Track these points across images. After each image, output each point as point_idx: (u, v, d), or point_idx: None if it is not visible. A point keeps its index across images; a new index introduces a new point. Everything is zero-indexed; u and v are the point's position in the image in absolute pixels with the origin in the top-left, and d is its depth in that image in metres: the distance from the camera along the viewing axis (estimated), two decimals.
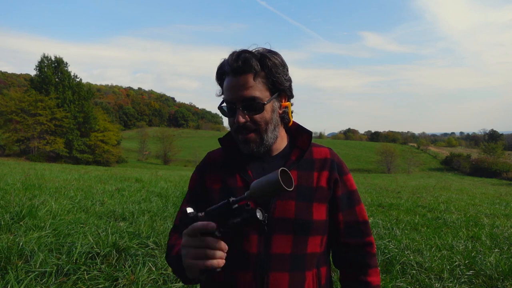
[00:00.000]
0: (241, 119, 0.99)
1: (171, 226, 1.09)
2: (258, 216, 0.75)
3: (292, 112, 1.11)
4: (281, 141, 1.11)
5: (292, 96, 1.10)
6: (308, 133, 1.12)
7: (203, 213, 0.81)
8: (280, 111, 1.07)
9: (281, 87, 1.04)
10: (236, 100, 1.00)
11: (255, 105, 1.00)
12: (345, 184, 1.11)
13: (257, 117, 1.01)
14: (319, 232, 1.03)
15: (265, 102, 1.01)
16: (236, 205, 0.77)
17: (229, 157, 1.11)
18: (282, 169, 0.75)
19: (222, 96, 1.06)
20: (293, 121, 1.13)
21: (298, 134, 1.13)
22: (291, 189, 0.75)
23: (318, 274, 1.04)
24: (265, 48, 1.03)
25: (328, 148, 1.14)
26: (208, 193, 1.08)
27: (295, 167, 1.06)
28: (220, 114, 1.11)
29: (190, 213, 0.82)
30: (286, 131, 1.15)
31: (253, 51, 1.01)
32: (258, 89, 1.00)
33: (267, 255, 0.97)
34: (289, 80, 1.07)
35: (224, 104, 1.05)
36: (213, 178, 1.10)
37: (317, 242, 1.03)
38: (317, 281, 1.03)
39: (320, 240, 1.04)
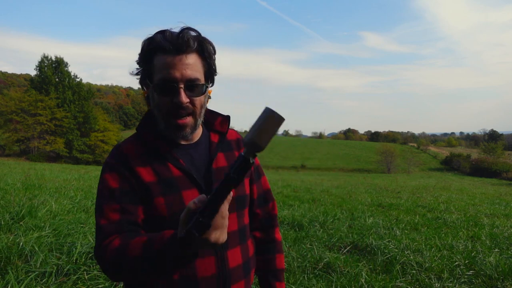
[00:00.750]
0: (185, 99, 0.96)
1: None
2: (251, 161, 0.71)
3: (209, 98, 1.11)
4: (199, 127, 1.11)
5: (213, 84, 1.09)
6: (224, 116, 1.15)
7: (208, 197, 0.73)
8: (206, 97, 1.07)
9: (214, 73, 1.05)
10: (179, 79, 0.95)
11: (199, 87, 0.99)
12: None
13: (197, 99, 1.00)
14: (248, 203, 1.16)
15: (208, 85, 1.02)
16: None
17: (149, 147, 1.02)
18: (267, 107, 0.70)
19: (138, 73, 1.03)
20: None
21: (213, 119, 1.15)
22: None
23: (252, 241, 1.18)
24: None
25: (234, 130, 1.21)
26: (142, 188, 0.97)
27: (220, 149, 1.10)
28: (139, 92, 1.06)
29: (199, 220, 0.72)
30: None
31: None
32: (199, 71, 0.99)
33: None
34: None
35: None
36: (145, 172, 0.98)
37: (247, 213, 1.16)
38: (253, 246, 1.17)
39: (247, 211, 1.16)
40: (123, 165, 0.99)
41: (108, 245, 0.90)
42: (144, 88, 1.05)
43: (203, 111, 1.04)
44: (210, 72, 1.03)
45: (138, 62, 1.01)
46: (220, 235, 0.76)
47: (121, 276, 0.91)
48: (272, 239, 1.26)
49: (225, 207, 0.74)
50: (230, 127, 1.17)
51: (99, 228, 0.94)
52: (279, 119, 0.70)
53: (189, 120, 0.99)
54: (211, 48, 1.01)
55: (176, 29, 0.98)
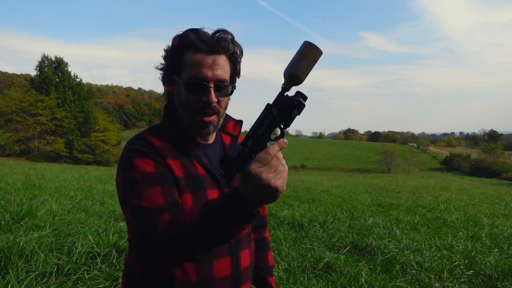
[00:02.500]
0: (214, 99, 0.97)
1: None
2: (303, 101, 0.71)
3: None
4: None
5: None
6: (236, 120, 1.17)
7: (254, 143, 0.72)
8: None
9: (238, 76, 1.06)
10: (210, 79, 0.96)
11: (226, 88, 1.01)
12: None
13: (223, 100, 1.01)
14: None
15: (234, 87, 1.03)
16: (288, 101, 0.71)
17: (174, 142, 1.01)
18: (305, 41, 0.72)
19: (163, 68, 1.03)
20: None
21: (226, 121, 1.15)
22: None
23: (253, 242, 1.20)
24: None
25: (241, 136, 1.20)
26: (176, 182, 0.95)
27: (231, 151, 1.11)
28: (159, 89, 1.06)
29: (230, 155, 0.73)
30: None
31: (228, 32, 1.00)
32: (227, 73, 1.01)
33: (237, 238, 1.04)
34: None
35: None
36: (174, 165, 0.96)
37: None
38: (254, 247, 1.20)
39: None
40: (156, 153, 0.95)
41: (159, 221, 0.84)
42: (167, 83, 1.05)
43: (225, 112, 1.06)
44: (235, 75, 1.05)
45: (166, 58, 1.01)
46: (274, 177, 0.70)
47: (179, 248, 0.83)
48: (263, 238, 1.31)
49: (274, 148, 0.71)
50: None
51: (143, 211, 0.87)
52: (317, 51, 0.71)
53: (213, 118, 1.01)
54: (240, 49, 1.03)
55: (208, 29, 0.99)
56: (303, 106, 0.72)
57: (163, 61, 1.03)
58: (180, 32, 0.99)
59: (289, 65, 0.72)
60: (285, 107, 0.72)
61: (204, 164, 1.01)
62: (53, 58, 46.84)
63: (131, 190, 0.91)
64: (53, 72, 46.51)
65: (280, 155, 0.73)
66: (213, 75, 0.96)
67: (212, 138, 1.10)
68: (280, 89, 0.73)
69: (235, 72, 1.04)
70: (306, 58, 0.71)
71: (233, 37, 0.99)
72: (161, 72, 1.05)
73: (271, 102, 0.73)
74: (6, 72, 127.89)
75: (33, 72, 51.15)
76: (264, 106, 0.74)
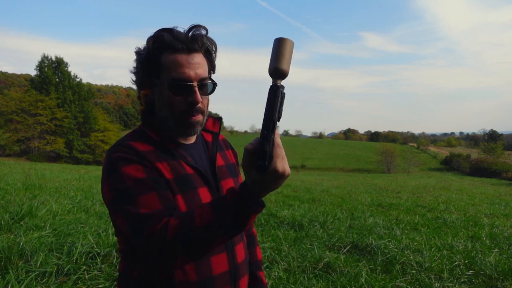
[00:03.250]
0: (200, 98, 0.96)
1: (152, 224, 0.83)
2: (281, 89, 0.74)
3: None
4: None
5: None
6: (215, 118, 1.17)
7: (264, 129, 0.73)
8: None
9: (213, 72, 1.06)
10: (194, 79, 0.95)
11: (208, 86, 1.00)
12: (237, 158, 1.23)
13: (206, 98, 1.01)
14: None
15: (216, 84, 1.02)
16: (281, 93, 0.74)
17: (157, 144, 0.98)
18: (275, 38, 0.77)
19: (137, 72, 1.00)
20: None
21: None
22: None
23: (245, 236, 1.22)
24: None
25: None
26: (167, 184, 0.94)
27: (214, 149, 1.12)
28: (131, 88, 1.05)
29: (262, 147, 0.72)
30: None
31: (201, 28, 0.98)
32: (206, 70, 1.00)
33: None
34: None
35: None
36: (163, 168, 0.94)
37: None
38: (246, 241, 1.22)
39: None
40: (142, 158, 0.92)
41: (166, 226, 0.81)
42: (142, 87, 1.01)
43: (208, 110, 1.06)
44: (210, 71, 1.04)
45: (140, 61, 0.98)
46: (285, 164, 0.74)
47: (191, 251, 0.82)
48: (251, 233, 1.31)
49: (277, 138, 0.74)
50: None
51: (143, 218, 0.83)
52: (288, 41, 0.76)
53: (200, 117, 1.00)
54: (215, 46, 1.02)
55: (180, 28, 0.97)
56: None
57: (135, 65, 1.01)
58: (153, 34, 0.96)
59: (271, 63, 0.76)
60: (278, 100, 0.75)
61: (191, 163, 1.00)
62: (53, 58, 46.86)
63: (125, 199, 0.87)
64: (53, 72, 46.50)
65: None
66: (195, 75, 0.95)
67: (194, 138, 1.09)
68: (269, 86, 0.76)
69: (211, 67, 1.03)
70: (282, 52, 0.76)
71: (207, 32, 0.98)
72: (134, 76, 1.02)
73: (272, 85, 0.75)
74: (6, 72, 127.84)
75: (33, 72, 51.21)
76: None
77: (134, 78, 1.03)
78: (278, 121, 0.75)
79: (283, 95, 0.75)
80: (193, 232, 0.79)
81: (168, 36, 0.93)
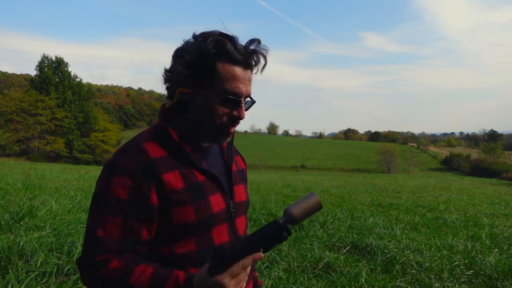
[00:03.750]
0: (245, 115, 0.97)
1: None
2: (284, 234, 0.79)
3: None
4: None
5: None
6: None
7: (242, 243, 0.78)
8: None
9: None
10: (244, 95, 0.95)
11: (250, 103, 1.00)
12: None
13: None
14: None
15: (254, 101, 1.02)
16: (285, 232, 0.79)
17: (173, 149, 0.95)
18: (313, 192, 0.84)
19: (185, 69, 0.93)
20: None
21: None
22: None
23: None
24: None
25: None
26: (168, 197, 0.90)
27: (229, 154, 1.11)
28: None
29: (227, 251, 0.77)
30: None
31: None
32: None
33: (236, 239, 1.03)
34: None
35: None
36: (173, 177, 0.91)
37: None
38: None
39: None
40: (145, 171, 0.88)
41: (106, 263, 0.83)
42: (185, 86, 0.95)
43: None
44: None
45: (191, 60, 0.91)
46: (234, 285, 0.77)
47: None
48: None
49: (248, 261, 0.77)
50: None
51: (94, 239, 0.85)
52: (319, 206, 0.82)
53: (234, 129, 1.01)
54: (266, 66, 0.99)
55: (239, 36, 0.94)
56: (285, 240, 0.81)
57: (179, 58, 0.94)
58: (210, 32, 0.93)
59: (293, 207, 0.81)
60: (275, 238, 0.79)
61: (204, 169, 0.97)
62: (53, 58, 46.93)
63: (96, 208, 0.89)
64: (53, 72, 46.56)
65: (249, 267, 0.79)
66: (246, 91, 0.95)
67: None
68: (275, 218, 0.82)
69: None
70: (309, 208, 0.81)
71: (267, 51, 0.96)
72: (172, 70, 0.96)
73: (279, 220, 0.80)
74: (6, 72, 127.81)
75: (33, 72, 51.24)
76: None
77: (167, 71, 0.98)
78: (265, 253, 0.80)
79: (285, 239, 0.79)
80: (121, 286, 0.82)
81: (230, 46, 0.90)
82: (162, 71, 1.00)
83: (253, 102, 1.01)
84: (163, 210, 0.90)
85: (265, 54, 0.95)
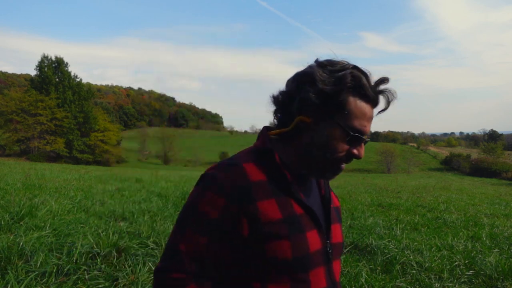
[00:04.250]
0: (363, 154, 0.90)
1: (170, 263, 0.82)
2: None
3: None
4: None
5: None
6: None
7: None
8: None
9: None
10: (367, 133, 0.89)
11: (367, 141, 0.93)
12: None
13: None
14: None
15: (368, 141, 0.96)
16: None
17: (273, 175, 0.87)
18: None
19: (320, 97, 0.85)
20: None
21: None
22: None
23: None
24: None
25: None
26: (262, 229, 0.81)
27: (328, 188, 1.03)
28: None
29: None
30: None
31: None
32: None
33: (334, 285, 0.92)
34: None
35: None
36: (269, 206, 0.83)
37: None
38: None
39: None
40: (241, 194, 0.81)
41: (180, 282, 0.79)
42: (307, 114, 0.88)
43: None
44: None
45: (322, 90, 0.85)
46: None
47: None
48: None
49: None
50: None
51: (175, 252, 0.81)
52: None
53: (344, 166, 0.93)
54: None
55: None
56: None
57: (309, 85, 0.86)
58: (339, 62, 0.88)
59: None
60: None
61: (303, 202, 0.88)
62: (53, 58, 46.91)
63: (183, 219, 0.84)
64: (53, 72, 46.55)
65: None
66: (368, 130, 0.90)
67: None
68: None
69: None
70: None
71: (394, 95, 0.90)
72: (292, 94, 0.89)
73: None
74: (6, 72, 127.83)
75: (33, 72, 51.18)
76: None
77: (286, 95, 0.91)
78: None
79: None
80: None
81: (365, 81, 0.86)
82: (272, 94, 0.94)
83: (368, 141, 0.94)
84: (254, 243, 0.81)
85: (391, 98, 0.90)
